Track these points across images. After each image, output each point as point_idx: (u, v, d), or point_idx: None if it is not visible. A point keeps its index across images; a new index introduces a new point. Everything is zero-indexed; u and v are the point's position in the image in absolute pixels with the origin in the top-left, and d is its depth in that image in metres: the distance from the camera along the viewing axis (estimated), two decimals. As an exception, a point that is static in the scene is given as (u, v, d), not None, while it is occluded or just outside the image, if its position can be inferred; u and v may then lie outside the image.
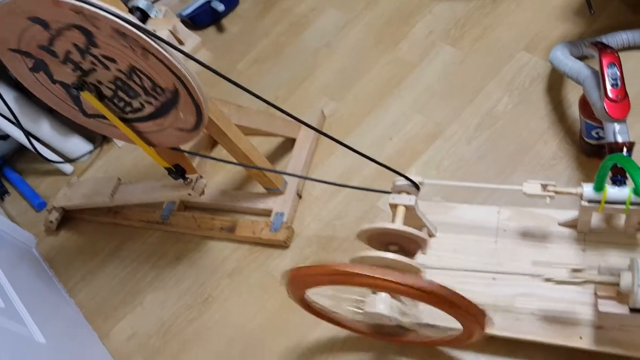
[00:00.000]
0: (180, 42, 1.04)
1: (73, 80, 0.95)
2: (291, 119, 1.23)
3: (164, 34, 0.98)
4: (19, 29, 0.87)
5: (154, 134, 1.06)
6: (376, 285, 0.75)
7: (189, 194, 1.21)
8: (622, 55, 1.19)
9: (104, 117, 1.02)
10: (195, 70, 0.97)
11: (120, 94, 0.98)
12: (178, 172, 1.19)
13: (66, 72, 0.95)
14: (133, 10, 1.00)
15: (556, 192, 0.87)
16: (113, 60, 0.90)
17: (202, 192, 1.22)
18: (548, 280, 0.78)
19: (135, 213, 1.47)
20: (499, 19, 1.45)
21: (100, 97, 0.99)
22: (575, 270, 0.79)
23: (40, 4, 0.81)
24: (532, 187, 0.88)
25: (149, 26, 1.00)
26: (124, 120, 1.03)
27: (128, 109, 1.00)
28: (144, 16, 1.01)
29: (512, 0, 1.47)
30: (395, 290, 0.76)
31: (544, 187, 0.88)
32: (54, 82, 0.99)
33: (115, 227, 1.51)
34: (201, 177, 1.22)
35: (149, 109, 0.99)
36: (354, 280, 0.78)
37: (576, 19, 1.35)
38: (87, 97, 0.99)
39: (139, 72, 0.91)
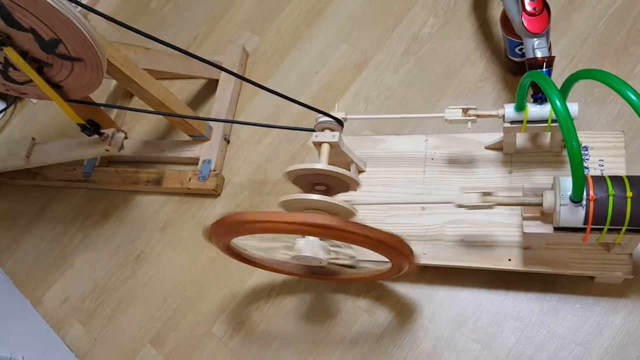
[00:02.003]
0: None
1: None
2: (210, 60, 1.15)
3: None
4: None
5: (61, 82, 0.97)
6: (288, 230, 0.72)
7: (107, 150, 1.13)
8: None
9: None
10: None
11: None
12: (92, 127, 1.10)
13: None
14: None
15: (477, 116, 0.85)
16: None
17: (121, 147, 1.14)
18: (460, 206, 0.77)
19: (56, 172, 1.38)
20: None
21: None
22: (486, 194, 0.77)
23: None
24: (453, 113, 0.85)
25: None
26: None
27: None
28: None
29: None
30: (311, 233, 0.73)
31: (465, 111, 0.85)
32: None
33: (36, 189, 1.42)
34: (119, 130, 1.13)
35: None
36: (271, 228, 0.74)
37: None
38: (11, 55, 0.89)
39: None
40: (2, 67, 0.99)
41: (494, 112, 0.84)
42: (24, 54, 0.91)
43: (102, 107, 1.13)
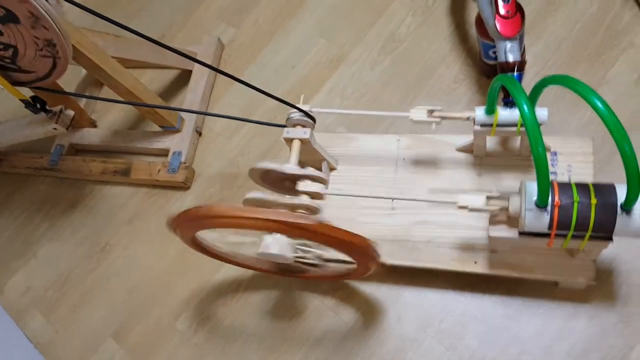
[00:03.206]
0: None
1: None
2: (185, 50, 1.13)
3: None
4: None
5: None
6: (250, 226, 0.71)
7: (55, 129, 1.08)
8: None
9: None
10: None
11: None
12: (38, 105, 1.05)
13: None
14: None
15: (442, 117, 0.84)
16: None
17: (69, 125, 1.08)
18: (461, 207, 0.76)
19: (21, 159, 1.34)
20: None
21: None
22: (490, 198, 0.76)
23: None
24: (419, 113, 0.84)
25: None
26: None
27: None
28: None
29: None
30: (275, 230, 0.72)
31: (430, 112, 0.84)
32: None
33: (2, 176, 1.38)
34: (66, 108, 1.08)
35: None
36: (234, 223, 0.73)
37: None
38: None
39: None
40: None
41: (458, 115, 0.84)
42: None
43: (72, 97, 1.10)
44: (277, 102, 0.91)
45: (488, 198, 0.77)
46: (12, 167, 1.35)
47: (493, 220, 0.80)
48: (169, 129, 1.24)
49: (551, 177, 0.89)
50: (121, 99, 1.11)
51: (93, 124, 1.33)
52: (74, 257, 1.23)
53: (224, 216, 0.73)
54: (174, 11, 1.47)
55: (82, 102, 1.32)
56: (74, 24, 0.96)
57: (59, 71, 0.92)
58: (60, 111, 1.06)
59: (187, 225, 0.81)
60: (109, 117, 1.36)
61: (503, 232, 0.78)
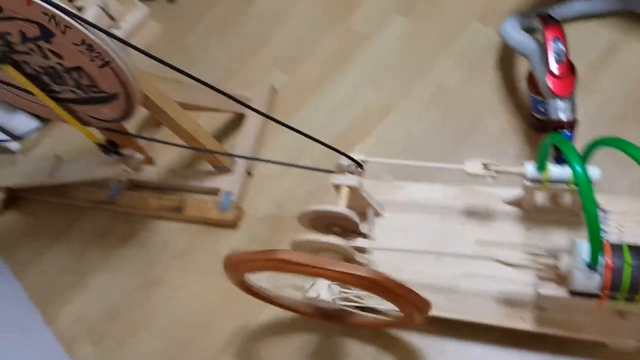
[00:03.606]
0: (112, 19, 0.97)
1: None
2: (240, 95, 1.19)
3: (92, 10, 0.92)
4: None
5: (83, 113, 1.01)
6: (307, 273, 0.73)
7: (124, 170, 1.15)
8: (576, 26, 1.17)
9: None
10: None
11: (45, 77, 0.92)
12: (111, 148, 1.13)
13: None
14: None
15: (498, 172, 0.85)
16: (59, 56, 0.86)
17: (138, 169, 1.16)
18: (498, 261, 0.76)
19: (83, 192, 1.42)
20: (452, -14, 1.41)
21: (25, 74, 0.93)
22: (533, 254, 0.77)
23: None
24: (474, 166, 0.86)
25: (79, 1, 0.94)
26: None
27: (48, 89, 0.95)
28: (71, -9, 0.95)
29: (467, -33, 1.42)
30: (327, 277, 0.74)
31: (486, 166, 0.85)
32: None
33: (63, 207, 1.46)
34: (137, 152, 1.16)
35: (71, 96, 0.94)
36: (287, 268, 0.75)
37: (531, -13, 1.31)
38: (12, 73, 0.93)
39: (83, 72, 0.87)
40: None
41: (514, 169, 0.85)
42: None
43: (130, 137, 1.17)
44: (323, 147, 0.94)
45: (534, 255, 0.78)
46: (73, 199, 1.42)
47: (542, 277, 0.79)
48: (222, 169, 1.29)
49: (602, 235, 0.88)
50: (181, 141, 1.17)
51: (151, 162, 1.40)
52: (125, 289, 1.28)
53: (283, 261, 0.76)
54: (230, 58, 1.55)
55: (142, 141, 1.39)
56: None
57: (129, 115, 0.98)
58: (131, 155, 1.13)
59: (237, 266, 0.84)
60: (166, 155, 1.43)
61: (552, 290, 0.78)
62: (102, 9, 0.96)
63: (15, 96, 1.03)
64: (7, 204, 1.51)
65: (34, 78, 0.94)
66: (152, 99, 1.02)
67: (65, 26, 0.80)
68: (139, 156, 1.15)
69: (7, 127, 1.63)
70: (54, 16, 0.78)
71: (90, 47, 0.83)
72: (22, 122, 1.64)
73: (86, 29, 0.81)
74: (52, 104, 0.99)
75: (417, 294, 0.75)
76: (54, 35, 0.82)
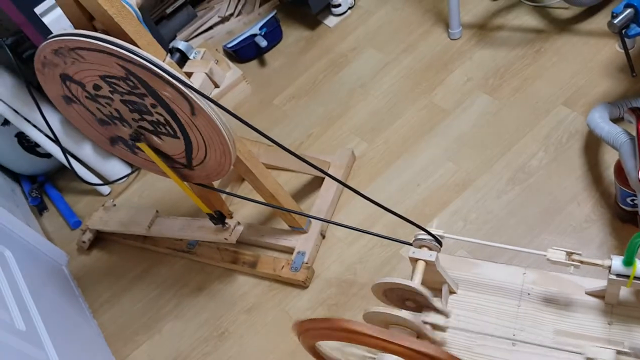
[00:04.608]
0: (216, 85, 1.05)
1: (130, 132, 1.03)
2: (319, 159, 1.24)
3: (200, 77, 1.01)
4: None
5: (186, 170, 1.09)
6: (380, 347, 0.73)
7: (226, 239, 1.24)
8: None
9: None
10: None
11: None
12: (219, 218, 1.23)
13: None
14: (173, 51, 1.03)
15: (581, 262, 0.84)
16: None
17: (237, 238, 1.25)
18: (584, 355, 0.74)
19: (164, 240, 1.49)
20: (540, 70, 1.42)
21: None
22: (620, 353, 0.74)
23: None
24: (557, 254, 0.85)
25: (186, 68, 1.03)
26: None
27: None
28: (183, 57, 1.04)
29: (554, 52, 1.44)
30: (401, 354, 0.74)
31: (569, 255, 0.84)
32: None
33: (143, 251, 1.54)
34: (239, 224, 1.25)
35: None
36: (359, 340, 0.76)
37: (620, 76, 1.31)
38: (146, 150, 1.04)
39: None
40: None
41: (599, 262, 0.83)
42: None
43: (218, 192, 1.23)
44: (398, 217, 0.95)
45: (619, 353, 0.75)
46: (154, 245, 1.50)
47: (626, 377, 0.76)
48: (297, 230, 1.33)
49: (692, 339, 0.84)
50: (262, 199, 1.22)
51: (230, 215, 1.46)
52: (194, 338, 1.32)
53: (355, 332, 0.76)
54: (314, 122, 1.62)
55: (224, 195, 1.46)
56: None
57: (222, 173, 1.04)
58: (235, 226, 1.24)
59: (309, 333, 0.86)
60: (245, 211, 1.49)
61: (637, 392, 0.74)
62: (208, 75, 1.04)
63: (131, 155, 1.13)
64: (92, 244, 1.61)
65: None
66: (242, 159, 1.08)
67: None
68: (239, 227, 1.25)
69: (101, 171, 1.75)
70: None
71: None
72: (115, 168, 1.77)
73: (194, 95, 0.89)
74: (172, 175, 1.08)
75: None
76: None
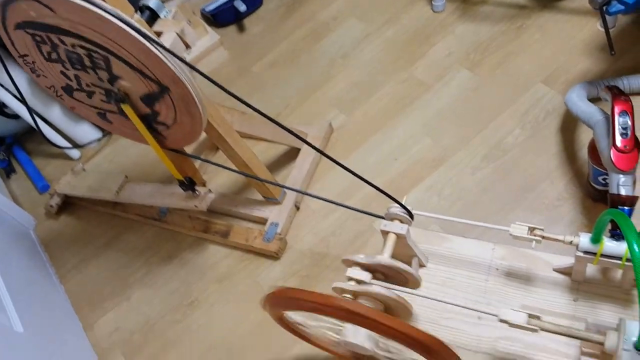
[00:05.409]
0: (187, 46, 1.02)
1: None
2: (297, 129, 1.21)
3: (170, 36, 0.97)
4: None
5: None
6: (335, 316, 0.73)
7: (195, 206, 1.21)
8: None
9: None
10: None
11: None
12: (189, 184, 1.20)
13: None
14: (142, 9, 0.99)
15: (543, 237, 0.84)
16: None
17: (207, 204, 1.22)
18: (502, 321, 0.75)
19: (134, 207, 1.46)
20: (521, 47, 1.41)
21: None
22: (533, 317, 0.75)
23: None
24: (519, 229, 0.85)
25: (157, 27, 1.00)
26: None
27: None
28: (154, 16, 1.00)
29: (536, 29, 1.43)
30: (364, 325, 0.74)
31: (532, 230, 0.84)
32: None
33: (113, 217, 1.51)
34: (210, 191, 1.22)
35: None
36: (320, 310, 0.76)
37: (600, 55, 1.31)
38: (129, 112, 1.00)
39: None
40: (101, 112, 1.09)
41: (560, 237, 0.83)
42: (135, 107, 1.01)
43: (191, 158, 1.21)
44: (373, 189, 0.95)
45: (531, 317, 0.75)
46: (124, 212, 1.47)
47: (585, 352, 0.77)
48: (271, 200, 1.32)
49: (655, 317, 0.85)
50: (235, 168, 1.20)
51: (203, 184, 1.44)
52: (163, 306, 1.30)
53: (308, 301, 0.76)
54: (293, 92, 1.59)
55: (197, 163, 1.43)
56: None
57: (194, 136, 1.02)
58: (205, 194, 1.20)
59: (279, 303, 0.85)
60: (218, 180, 1.47)
61: (596, 367, 0.75)
62: (179, 35, 1.01)
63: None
64: (61, 208, 1.57)
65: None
66: (214, 126, 1.06)
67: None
68: (211, 195, 1.22)
69: (72, 135, 1.71)
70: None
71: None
72: (86, 132, 1.72)
73: (163, 55, 0.86)
74: (149, 137, 1.05)
75: (451, 352, 0.74)
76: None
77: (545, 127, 1.24)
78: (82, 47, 0.89)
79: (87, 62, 0.93)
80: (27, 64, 1.01)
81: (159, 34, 0.97)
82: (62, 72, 0.99)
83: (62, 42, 0.90)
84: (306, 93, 1.57)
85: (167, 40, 0.96)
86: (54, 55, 0.95)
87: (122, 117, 1.04)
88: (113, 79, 0.95)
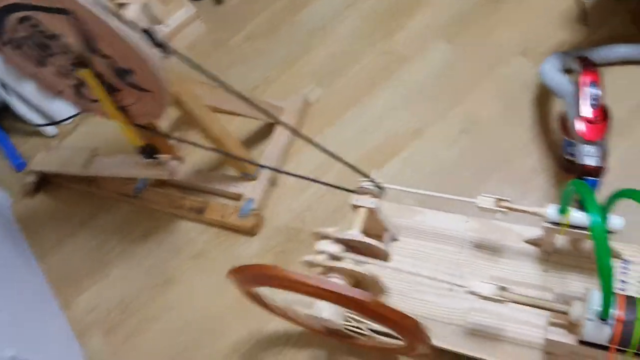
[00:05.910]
0: (157, 21, 1.00)
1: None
2: (272, 104, 1.20)
3: (134, 8, 0.95)
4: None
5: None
6: (303, 292, 0.73)
7: (160, 174, 1.19)
8: (619, 70, 1.15)
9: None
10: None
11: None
12: (149, 152, 1.17)
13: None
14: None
15: (510, 209, 0.84)
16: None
17: (174, 174, 1.19)
18: (471, 293, 0.75)
19: (110, 183, 1.45)
20: (500, 19, 1.39)
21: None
22: (502, 289, 0.76)
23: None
24: (486, 201, 0.85)
25: (121, -2, 0.97)
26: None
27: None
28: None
29: (516, 1, 1.41)
30: (326, 299, 0.74)
31: (499, 201, 0.84)
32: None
33: (90, 195, 1.49)
34: (174, 158, 1.19)
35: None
36: (288, 287, 0.76)
37: (577, 27, 1.29)
38: (89, 78, 0.98)
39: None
40: (76, 84, 1.07)
41: (526, 209, 0.83)
42: (98, 76, 0.99)
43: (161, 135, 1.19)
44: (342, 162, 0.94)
45: (502, 289, 0.76)
46: (99, 189, 1.46)
47: (553, 322, 0.77)
48: (247, 176, 1.31)
49: (621, 286, 0.86)
50: (207, 145, 1.19)
51: (181, 160, 1.42)
52: (140, 283, 1.30)
53: (281, 279, 0.76)
54: (270, 66, 1.56)
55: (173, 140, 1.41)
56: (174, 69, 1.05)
57: (158, 114, 1.00)
58: (168, 161, 1.17)
59: (245, 279, 0.85)
60: (194, 156, 1.45)
61: (561, 336, 0.76)
62: (144, 8, 0.98)
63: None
64: (37, 187, 1.56)
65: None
66: (183, 100, 1.04)
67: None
68: (175, 162, 1.18)
69: (46, 111, 1.68)
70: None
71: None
72: (62, 109, 1.69)
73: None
74: (109, 105, 1.02)
75: (412, 321, 0.74)
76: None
77: (521, 100, 1.23)
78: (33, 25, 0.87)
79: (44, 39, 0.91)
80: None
81: (122, 4, 0.95)
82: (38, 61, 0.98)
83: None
84: (285, 66, 1.55)
85: (132, 12, 0.94)
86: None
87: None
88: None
